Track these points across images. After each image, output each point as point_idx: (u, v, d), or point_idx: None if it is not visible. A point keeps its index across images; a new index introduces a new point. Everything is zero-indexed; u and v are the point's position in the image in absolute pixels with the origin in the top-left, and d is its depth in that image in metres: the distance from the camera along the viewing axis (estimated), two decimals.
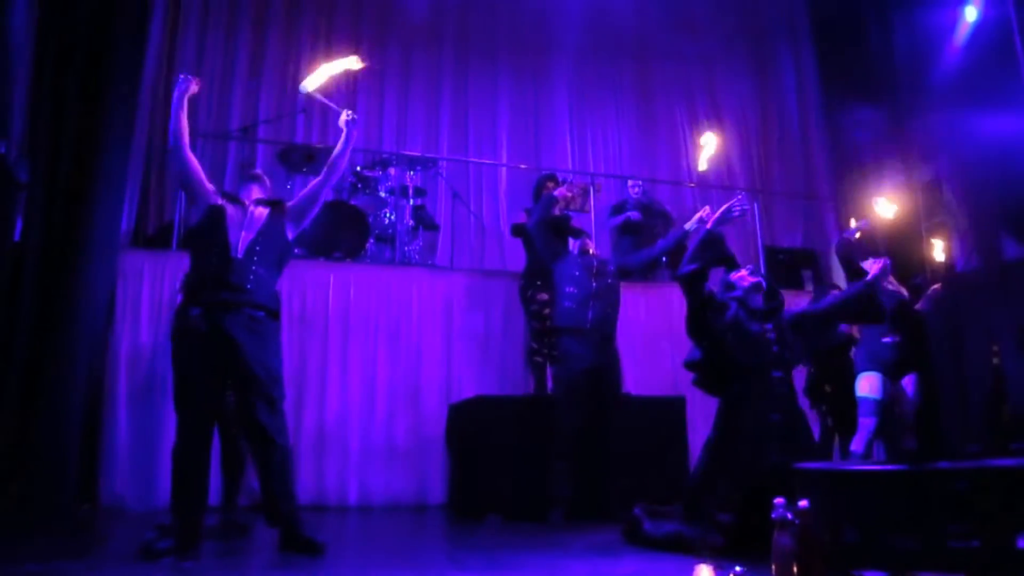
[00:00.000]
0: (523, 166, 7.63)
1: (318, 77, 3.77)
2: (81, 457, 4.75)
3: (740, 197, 3.93)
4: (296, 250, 4.24)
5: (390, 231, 6.40)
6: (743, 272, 3.72)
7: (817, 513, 2.47)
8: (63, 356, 4.68)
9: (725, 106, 8.61)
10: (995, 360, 5.41)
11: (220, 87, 7.08)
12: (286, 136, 7.10)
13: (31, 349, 4.62)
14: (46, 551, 3.37)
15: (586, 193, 6.44)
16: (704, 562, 3.02)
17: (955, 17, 6.49)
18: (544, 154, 7.94)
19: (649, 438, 5.06)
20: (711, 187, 8.25)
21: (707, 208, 4.74)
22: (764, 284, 3.68)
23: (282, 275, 3.57)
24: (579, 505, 4.53)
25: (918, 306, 5.17)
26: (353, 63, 3.84)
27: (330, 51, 7.48)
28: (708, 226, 3.73)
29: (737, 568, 2.77)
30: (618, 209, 6.97)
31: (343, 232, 5.91)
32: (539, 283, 5.45)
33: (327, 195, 3.79)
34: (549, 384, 5.42)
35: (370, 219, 6.19)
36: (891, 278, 4.97)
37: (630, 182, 7.05)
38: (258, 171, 3.69)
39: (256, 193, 3.58)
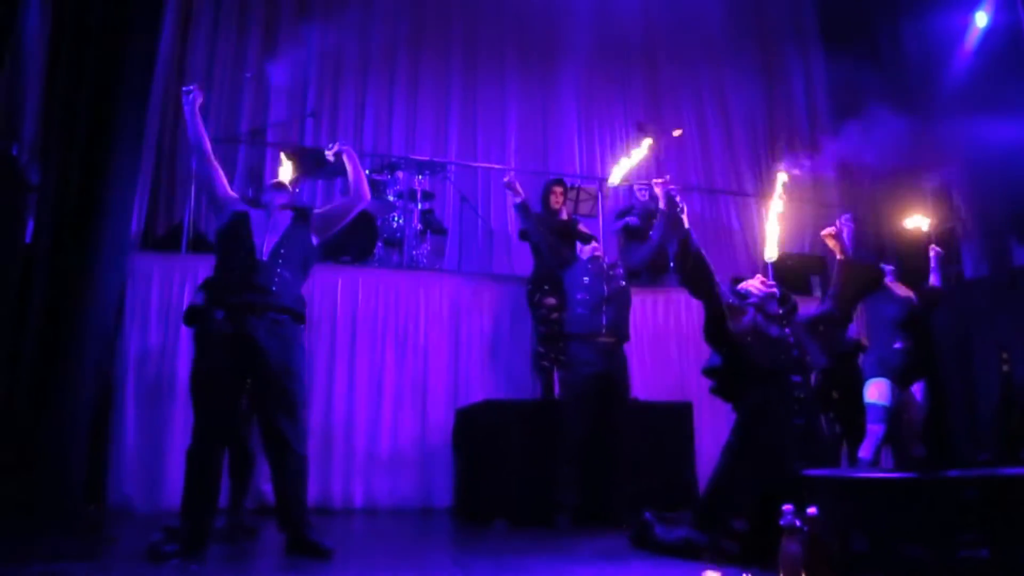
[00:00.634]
0: (531, 170, 7.63)
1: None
2: (89, 458, 4.77)
3: (665, 180, 4.09)
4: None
5: (398, 235, 6.41)
6: (755, 280, 3.72)
7: (826, 520, 2.46)
8: (72, 357, 4.70)
9: (733, 110, 8.59)
10: (1004, 367, 5.38)
11: (230, 90, 7.10)
12: (295, 139, 7.11)
13: (41, 350, 4.65)
14: (53, 552, 3.38)
15: (593, 197, 6.46)
16: (713, 568, 3.01)
17: (966, 22, 6.47)
18: (552, 158, 7.93)
19: (656, 443, 5.05)
20: (719, 191, 8.24)
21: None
22: (778, 291, 3.68)
23: (308, 279, 3.58)
24: (586, 510, 4.53)
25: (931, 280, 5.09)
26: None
27: (339, 57, 7.53)
28: (662, 207, 3.98)
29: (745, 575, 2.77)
30: (623, 214, 6.97)
31: (351, 236, 5.91)
32: (547, 288, 5.44)
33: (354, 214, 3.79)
34: (556, 389, 5.41)
35: (378, 223, 6.20)
36: (901, 284, 4.95)
37: (636, 186, 7.04)
38: (283, 180, 3.67)
39: (280, 200, 3.57)
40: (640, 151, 4.63)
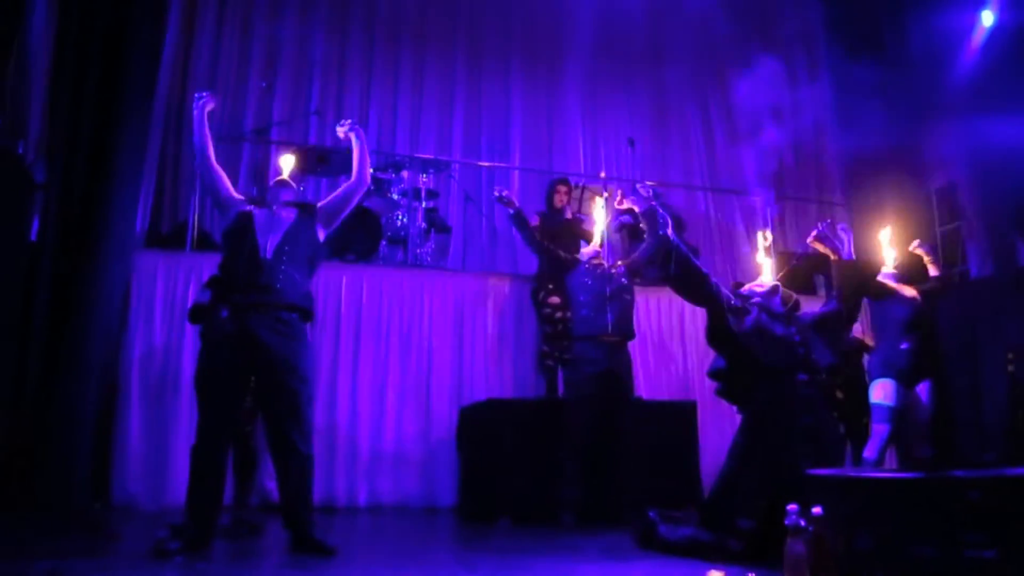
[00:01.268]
0: (535, 169, 7.63)
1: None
2: (94, 456, 4.79)
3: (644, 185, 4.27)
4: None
5: (402, 233, 6.41)
6: (757, 282, 3.71)
7: (831, 520, 2.46)
8: (77, 355, 4.72)
9: (738, 110, 8.57)
10: (1010, 367, 5.36)
11: (234, 89, 7.11)
12: (300, 138, 7.12)
13: (45, 348, 4.66)
14: (59, 549, 3.39)
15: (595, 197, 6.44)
16: (718, 568, 3.01)
17: (972, 21, 6.44)
18: (556, 157, 7.93)
19: (660, 442, 5.05)
20: (723, 191, 8.23)
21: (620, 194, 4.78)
22: (780, 287, 3.67)
23: (316, 275, 3.58)
24: (590, 509, 4.52)
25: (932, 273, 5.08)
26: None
27: (343, 54, 7.54)
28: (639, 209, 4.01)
29: (750, 575, 2.76)
30: (625, 211, 6.96)
31: (356, 234, 5.93)
32: (551, 286, 5.44)
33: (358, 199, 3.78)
34: (560, 387, 5.41)
35: (383, 221, 6.21)
36: (905, 285, 4.93)
37: (638, 185, 7.02)
38: (285, 177, 3.67)
39: (284, 197, 3.57)
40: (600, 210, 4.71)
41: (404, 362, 5.66)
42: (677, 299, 6.46)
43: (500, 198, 5.17)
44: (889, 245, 4.91)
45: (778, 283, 3.68)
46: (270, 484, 5.14)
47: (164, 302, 5.27)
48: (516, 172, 7.76)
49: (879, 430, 4.57)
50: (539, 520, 4.47)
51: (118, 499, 4.88)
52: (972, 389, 5.63)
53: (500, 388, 5.79)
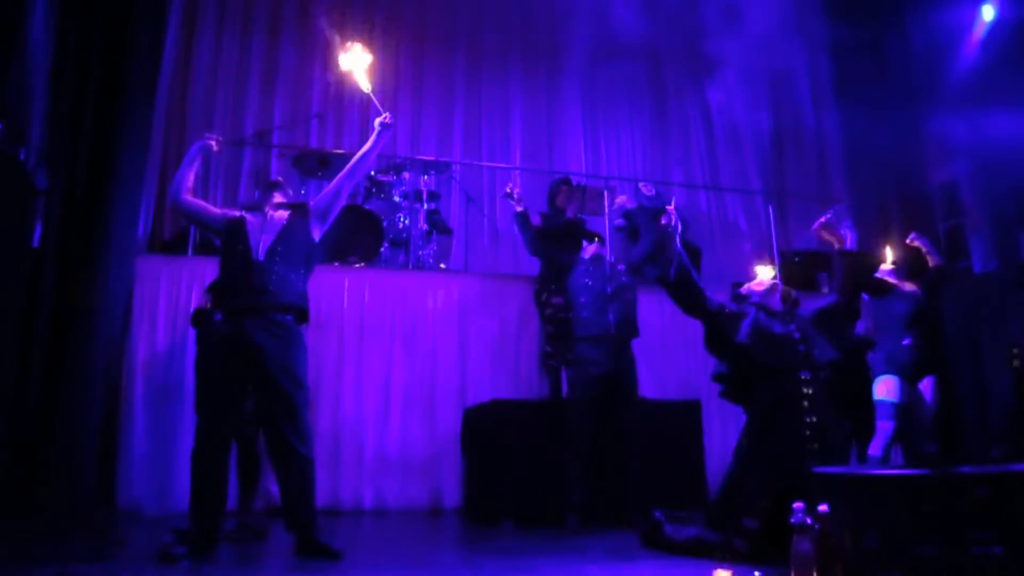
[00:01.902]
0: (536, 169, 7.62)
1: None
2: (98, 461, 4.79)
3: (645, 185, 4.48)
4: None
5: (404, 235, 6.41)
6: (755, 281, 3.71)
7: (837, 518, 2.45)
8: (80, 360, 4.72)
9: (739, 109, 8.56)
10: (1015, 362, 5.35)
11: (235, 92, 7.12)
12: (300, 141, 7.13)
13: (49, 353, 4.67)
14: (64, 554, 3.39)
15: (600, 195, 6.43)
16: (723, 567, 3.00)
17: (972, 16, 6.44)
18: (557, 157, 7.93)
19: (665, 442, 5.04)
20: (724, 190, 8.22)
21: (624, 197, 4.82)
22: (780, 284, 3.66)
23: (311, 274, 3.58)
24: (595, 509, 4.51)
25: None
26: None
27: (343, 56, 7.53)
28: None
29: (756, 574, 2.76)
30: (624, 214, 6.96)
31: (357, 237, 5.93)
32: (553, 287, 5.43)
33: (349, 194, 3.78)
34: (564, 388, 5.40)
35: (384, 223, 6.21)
36: (905, 280, 4.92)
37: (640, 184, 7.03)
38: (278, 178, 3.71)
39: (276, 199, 3.61)
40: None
41: (407, 364, 5.66)
42: None
43: (509, 194, 5.16)
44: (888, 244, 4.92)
45: (776, 281, 3.67)
46: (275, 488, 5.12)
47: (167, 307, 5.27)
48: (517, 172, 7.75)
49: (883, 427, 4.56)
50: (544, 521, 4.46)
51: (123, 504, 4.88)
52: (976, 384, 5.62)
53: (504, 389, 5.78)
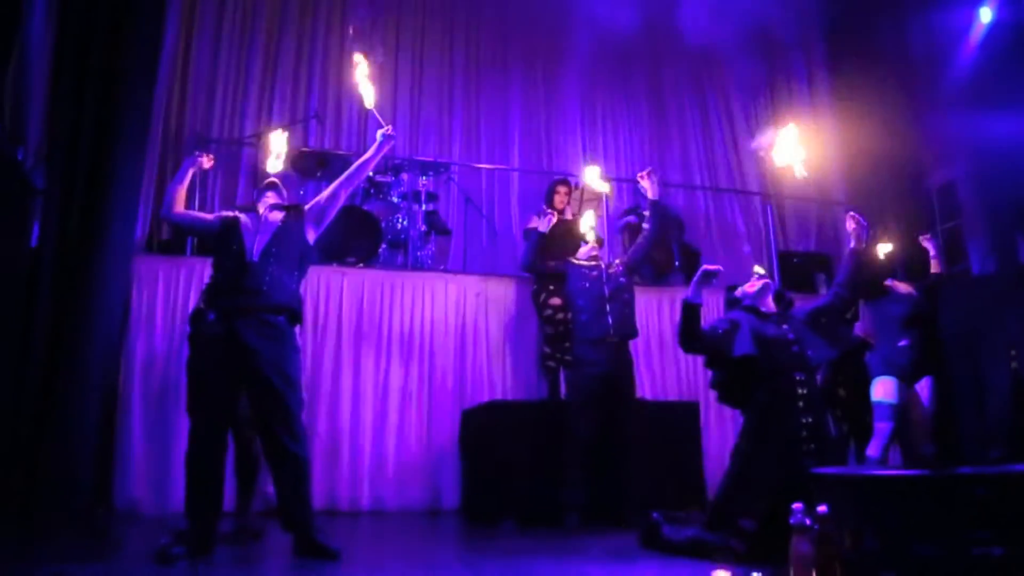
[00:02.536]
0: (535, 171, 7.63)
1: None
2: (96, 461, 4.77)
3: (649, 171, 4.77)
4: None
5: (402, 236, 6.41)
6: (746, 285, 3.71)
7: (836, 518, 2.45)
8: (78, 361, 4.71)
9: (737, 110, 8.57)
10: (1013, 364, 5.35)
11: (233, 92, 7.11)
12: (298, 142, 7.12)
13: (46, 353, 4.66)
14: (61, 554, 3.38)
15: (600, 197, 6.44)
16: (722, 568, 3.00)
17: (970, 18, 6.44)
18: (556, 158, 7.93)
19: (663, 443, 5.04)
20: (723, 191, 8.23)
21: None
22: (772, 285, 3.67)
23: (305, 276, 3.59)
24: (593, 510, 4.51)
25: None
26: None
27: (342, 59, 7.53)
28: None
29: (755, 574, 2.75)
30: (628, 213, 6.97)
31: (356, 237, 5.92)
32: (552, 288, 5.44)
33: (346, 198, 3.80)
34: (562, 389, 5.40)
35: (382, 224, 6.20)
36: (902, 282, 4.93)
37: (646, 171, 7.05)
38: (274, 178, 3.72)
39: (271, 199, 3.62)
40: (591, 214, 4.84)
41: (406, 365, 5.66)
42: (679, 299, 6.44)
43: (541, 213, 5.31)
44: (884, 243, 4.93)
45: (769, 281, 3.68)
46: (272, 489, 5.14)
47: (165, 307, 5.27)
48: (516, 173, 7.76)
49: (881, 428, 4.57)
50: (543, 522, 4.46)
51: (120, 504, 4.87)
52: (975, 386, 5.62)
53: (502, 390, 5.78)
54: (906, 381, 4.64)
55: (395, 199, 6.46)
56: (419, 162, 6.76)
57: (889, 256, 4.92)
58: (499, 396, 5.67)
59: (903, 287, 4.89)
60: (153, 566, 3.02)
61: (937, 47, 6.73)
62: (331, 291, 5.62)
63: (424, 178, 6.59)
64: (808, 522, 2.45)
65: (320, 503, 4.98)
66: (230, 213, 3.56)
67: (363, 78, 3.79)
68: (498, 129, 7.93)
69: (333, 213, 3.66)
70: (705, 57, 8.42)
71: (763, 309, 3.59)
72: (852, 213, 3.92)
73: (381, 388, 5.57)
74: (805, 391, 3.40)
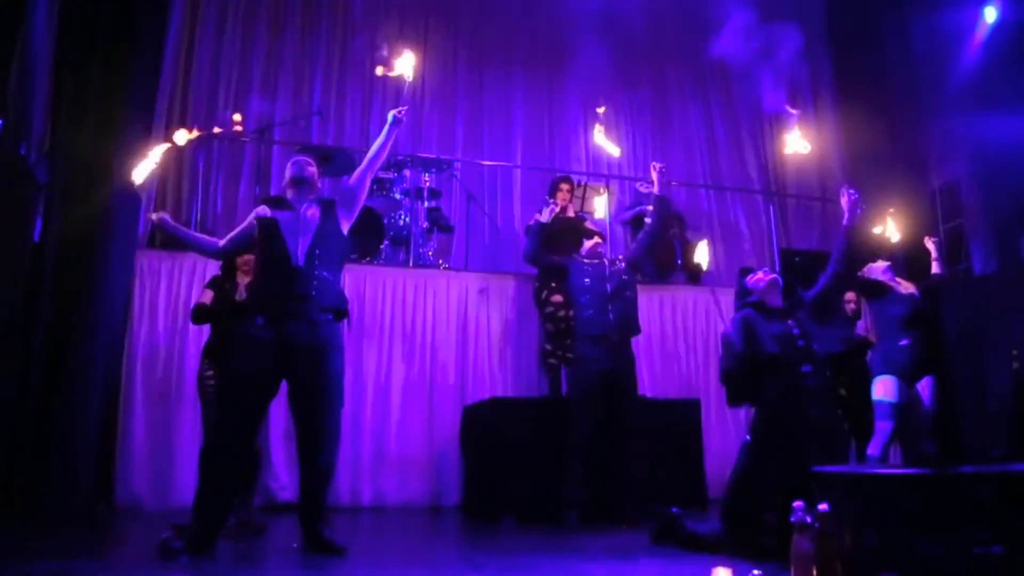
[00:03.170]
0: (538, 167, 7.62)
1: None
2: (97, 456, 4.78)
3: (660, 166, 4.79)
4: None
5: (405, 233, 6.40)
6: (759, 274, 3.70)
7: (837, 517, 2.45)
8: (80, 356, 4.71)
9: (740, 108, 8.56)
10: (1015, 364, 5.35)
11: (236, 88, 7.10)
12: (302, 138, 7.11)
13: (49, 348, 4.66)
14: (63, 550, 3.39)
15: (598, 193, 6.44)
16: (721, 565, 3.00)
17: (974, 17, 6.43)
18: (559, 155, 7.93)
19: (665, 440, 5.05)
20: (726, 189, 8.22)
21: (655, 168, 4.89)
22: (780, 281, 3.66)
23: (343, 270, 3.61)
24: (594, 507, 4.52)
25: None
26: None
27: (345, 55, 7.53)
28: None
29: (755, 572, 2.76)
30: (634, 207, 7.00)
31: (358, 234, 5.89)
32: (553, 285, 5.44)
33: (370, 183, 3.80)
34: (564, 386, 5.40)
35: (385, 221, 6.20)
36: (904, 281, 4.93)
37: (639, 183, 7.08)
38: (306, 175, 3.56)
39: (307, 195, 3.52)
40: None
41: (407, 362, 5.66)
42: (680, 297, 6.49)
43: (546, 206, 5.27)
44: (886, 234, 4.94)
45: (777, 276, 3.67)
46: (273, 484, 5.16)
47: (167, 302, 5.27)
48: (518, 171, 7.75)
49: (882, 427, 4.57)
50: (544, 519, 4.46)
51: (122, 500, 4.88)
52: (976, 385, 5.63)
53: (504, 387, 5.78)
54: (907, 380, 4.63)
55: (398, 195, 6.46)
56: (422, 158, 6.75)
57: (883, 237, 4.93)
58: (500, 393, 5.67)
59: (904, 287, 4.89)
60: (154, 561, 3.03)
61: (941, 46, 6.72)
62: None
63: (427, 175, 6.59)
64: (809, 520, 2.45)
65: None
66: (265, 212, 3.47)
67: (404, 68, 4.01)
68: (501, 126, 7.92)
69: (362, 198, 3.66)
70: (708, 54, 8.41)
71: (769, 305, 3.58)
72: (845, 188, 3.94)
73: (383, 384, 5.57)
74: (813, 384, 3.40)
